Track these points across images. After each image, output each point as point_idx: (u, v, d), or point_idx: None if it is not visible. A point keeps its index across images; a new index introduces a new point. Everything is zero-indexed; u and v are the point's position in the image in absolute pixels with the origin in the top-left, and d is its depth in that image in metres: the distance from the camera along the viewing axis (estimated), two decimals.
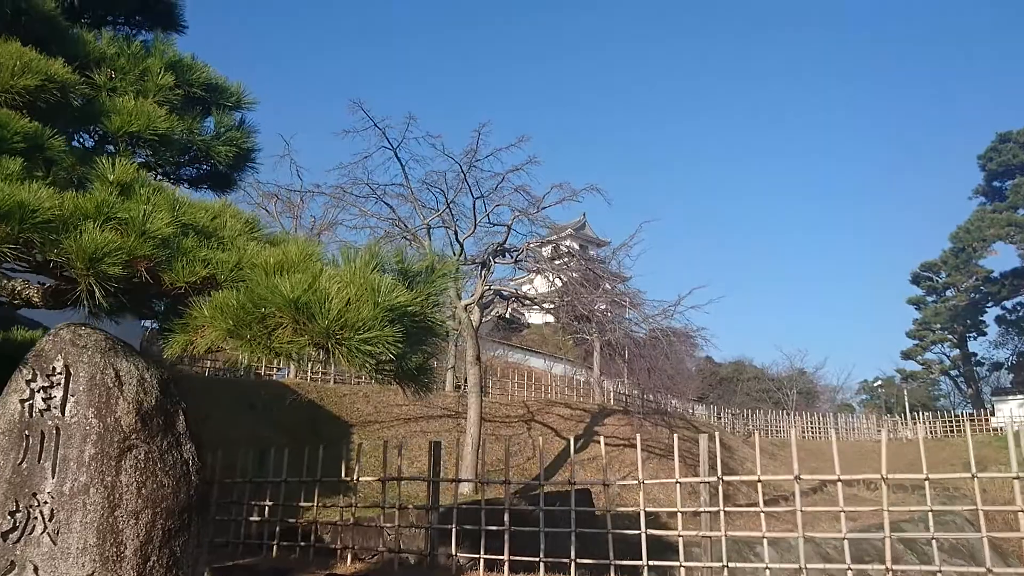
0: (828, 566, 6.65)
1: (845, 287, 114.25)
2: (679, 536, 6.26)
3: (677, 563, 6.18)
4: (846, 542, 5.83)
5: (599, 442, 20.20)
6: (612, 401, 26.14)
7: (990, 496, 6.09)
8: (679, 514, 6.30)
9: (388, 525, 7.61)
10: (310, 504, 8.02)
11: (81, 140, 5.27)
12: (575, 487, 7.00)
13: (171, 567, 4.16)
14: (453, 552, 7.10)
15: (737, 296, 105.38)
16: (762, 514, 6.02)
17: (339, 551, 8.06)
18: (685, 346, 25.79)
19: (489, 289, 15.37)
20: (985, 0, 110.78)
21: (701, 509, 6.55)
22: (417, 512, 8.46)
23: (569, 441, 18.71)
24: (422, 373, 4.57)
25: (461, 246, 14.84)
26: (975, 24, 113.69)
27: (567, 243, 56.31)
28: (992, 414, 44.75)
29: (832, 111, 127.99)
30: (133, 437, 4.21)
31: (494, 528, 7.13)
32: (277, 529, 8.26)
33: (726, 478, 6.49)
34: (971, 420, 41.42)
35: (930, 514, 6.00)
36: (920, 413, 43.89)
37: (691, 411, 33.92)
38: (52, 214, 3.89)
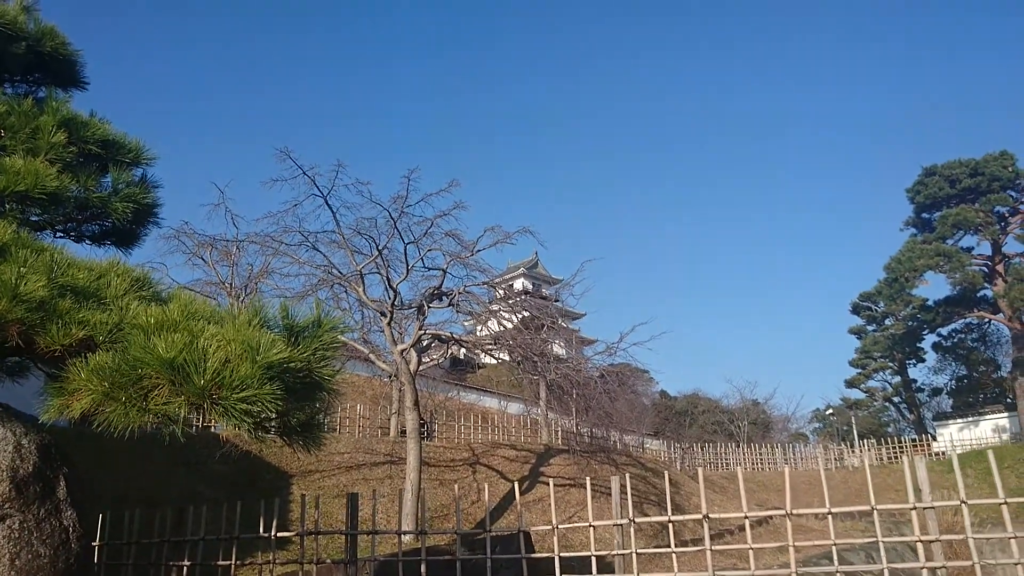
0: None
1: (792, 318, 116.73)
2: None
3: None
4: None
5: (544, 483, 20.12)
6: (560, 440, 26.10)
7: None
8: (592, 557, 6.31)
9: None
10: (228, 563, 7.80)
11: None
12: (492, 535, 6.95)
13: None
14: None
15: (690, 331, 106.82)
16: (674, 555, 6.06)
17: None
18: (631, 382, 25.94)
19: (425, 333, 15.34)
20: (910, 40, 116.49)
21: (614, 552, 6.57)
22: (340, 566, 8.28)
23: (512, 483, 18.45)
24: (308, 429, 4.54)
25: (395, 291, 14.83)
26: (903, 62, 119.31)
27: (518, 283, 56.60)
28: (934, 438, 45.88)
29: (772, 142, 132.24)
30: (6, 506, 4.08)
31: None
32: None
33: (639, 519, 6.53)
34: (914, 445, 42.36)
35: (834, 548, 6.11)
36: (867, 440, 44.72)
37: (643, 447, 33.99)
38: None
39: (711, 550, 5.89)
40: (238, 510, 8.02)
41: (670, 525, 6.11)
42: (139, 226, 6.31)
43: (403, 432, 19.60)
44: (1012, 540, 5.63)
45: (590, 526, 6.35)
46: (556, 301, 24.74)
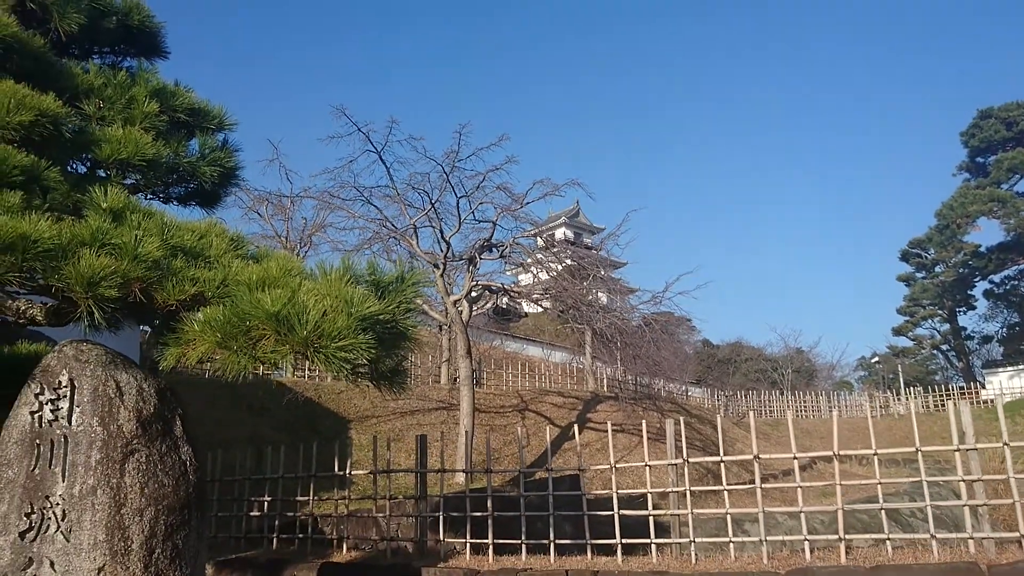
0: (789, 537, 7.08)
1: (838, 266, 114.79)
2: (649, 516, 6.68)
3: (648, 540, 6.61)
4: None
5: (591, 429, 20.69)
6: (605, 388, 26.57)
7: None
8: (648, 495, 6.74)
9: (380, 515, 8.03)
10: (307, 498, 8.44)
11: (74, 167, 5.64)
12: (553, 474, 7.42)
13: (174, 558, 4.57)
14: (441, 538, 7.54)
15: (733, 278, 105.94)
16: (725, 492, 6.45)
17: (335, 541, 8.50)
18: (676, 331, 26.20)
19: (476, 284, 15.77)
20: None
21: (669, 490, 6.97)
22: (410, 502, 8.88)
23: (561, 429, 19.05)
24: (396, 374, 4.98)
25: (448, 243, 15.25)
26: (956, 5, 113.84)
27: (560, 232, 56.59)
28: (983, 386, 45.29)
29: (822, 94, 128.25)
30: (135, 442, 4.61)
31: (479, 514, 7.55)
32: (276, 523, 8.68)
33: (692, 460, 6.91)
34: (962, 393, 41.89)
35: (879, 487, 6.42)
36: (913, 388, 44.34)
37: (686, 394, 34.35)
38: (51, 243, 4.26)
39: (761, 488, 6.26)
40: (313, 452, 8.62)
41: (722, 465, 6.48)
42: (222, 188, 6.74)
43: (454, 380, 20.28)
44: None
45: (646, 466, 6.77)
46: (599, 250, 24.90)
